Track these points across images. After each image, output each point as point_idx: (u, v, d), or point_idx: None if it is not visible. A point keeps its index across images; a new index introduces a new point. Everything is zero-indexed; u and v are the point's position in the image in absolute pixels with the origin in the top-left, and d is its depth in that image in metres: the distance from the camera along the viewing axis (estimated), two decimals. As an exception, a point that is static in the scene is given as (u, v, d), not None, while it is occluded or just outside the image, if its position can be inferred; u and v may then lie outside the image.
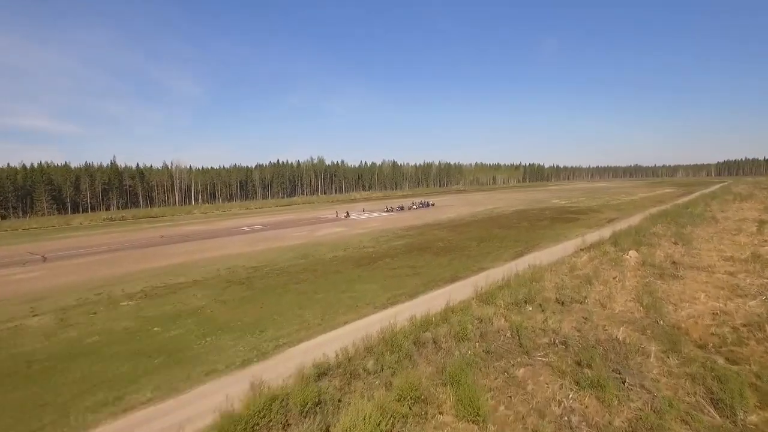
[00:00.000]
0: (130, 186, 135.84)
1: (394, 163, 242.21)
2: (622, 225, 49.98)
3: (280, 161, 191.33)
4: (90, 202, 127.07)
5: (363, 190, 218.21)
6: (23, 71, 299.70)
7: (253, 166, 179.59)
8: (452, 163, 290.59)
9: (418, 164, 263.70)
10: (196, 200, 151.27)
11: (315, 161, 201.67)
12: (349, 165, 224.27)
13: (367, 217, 74.31)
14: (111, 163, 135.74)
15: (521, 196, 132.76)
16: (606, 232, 44.68)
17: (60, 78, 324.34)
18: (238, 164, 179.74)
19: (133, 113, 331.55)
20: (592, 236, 42.73)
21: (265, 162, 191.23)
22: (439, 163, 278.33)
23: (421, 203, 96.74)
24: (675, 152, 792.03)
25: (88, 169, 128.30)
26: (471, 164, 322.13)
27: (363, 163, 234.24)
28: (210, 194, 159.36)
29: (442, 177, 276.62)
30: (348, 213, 79.20)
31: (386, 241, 45.78)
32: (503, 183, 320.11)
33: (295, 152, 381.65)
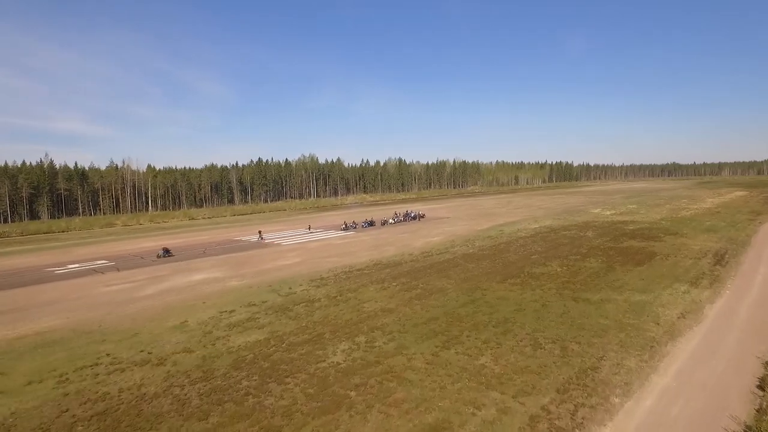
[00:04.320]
0: (66, 190, 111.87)
1: (401, 162, 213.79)
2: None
3: (262, 160, 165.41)
4: (11, 210, 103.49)
5: (365, 191, 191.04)
6: (60, 77, 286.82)
7: (229, 166, 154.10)
8: (469, 161, 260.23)
9: (430, 162, 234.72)
10: (154, 206, 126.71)
11: (307, 159, 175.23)
12: (347, 164, 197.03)
13: (289, 243, 47.29)
14: (40, 161, 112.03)
15: (548, 201, 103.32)
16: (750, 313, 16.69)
17: (93, 82, 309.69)
18: (213, 163, 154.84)
19: (162, 115, 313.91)
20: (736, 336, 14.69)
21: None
22: (454, 162, 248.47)
23: (406, 215, 68.94)
24: (718, 149, 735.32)
25: (6, 170, 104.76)
26: (491, 163, 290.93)
27: (364, 161, 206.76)
28: (172, 198, 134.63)
29: (458, 177, 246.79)
30: (260, 234, 52.05)
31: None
32: (527, 183, 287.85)
33: (318, 151, 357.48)
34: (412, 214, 69.25)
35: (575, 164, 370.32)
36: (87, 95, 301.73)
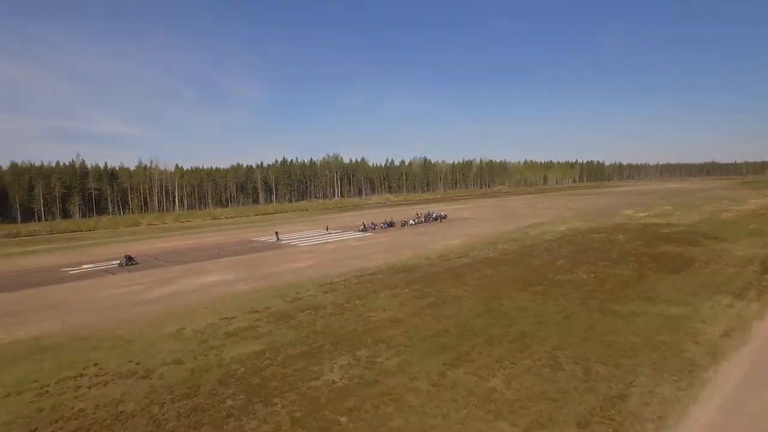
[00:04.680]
0: (96, 190, 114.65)
1: (426, 161, 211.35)
2: None
3: (287, 159, 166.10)
4: (46, 209, 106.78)
5: (389, 191, 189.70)
6: (102, 80, 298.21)
7: (254, 166, 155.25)
8: (496, 160, 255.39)
9: (455, 162, 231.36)
10: (181, 205, 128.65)
11: (331, 159, 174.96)
12: (371, 164, 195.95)
13: (305, 245, 46.31)
14: (72, 161, 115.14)
15: (577, 202, 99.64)
16: None
17: (126, 83, 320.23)
18: (240, 163, 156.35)
19: (191, 115, 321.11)
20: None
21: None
22: (481, 161, 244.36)
23: (427, 215, 67.14)
24: (762, 147, 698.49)
25: (41, 170, 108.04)
26: (519, 162, 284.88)
27: (389, 161, 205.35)
28: (198, 198, 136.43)
29: (484, 177, 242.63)
30: (277, 235, 51.18)
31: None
32: (556, 183, 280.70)
33: (342, 151, 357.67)
34: (434, 215, 67.41)
35: (607, 163, 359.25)
36: (120, 96, 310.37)
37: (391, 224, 60.00)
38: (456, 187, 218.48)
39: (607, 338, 17.02)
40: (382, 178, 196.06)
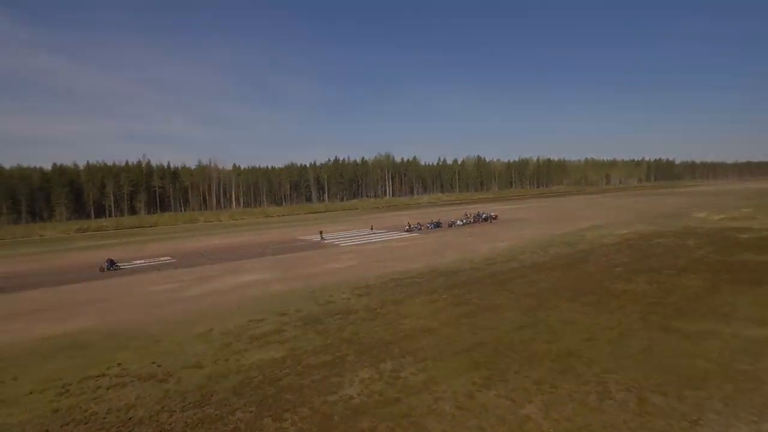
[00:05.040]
0: (160, 188, 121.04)
1: (479, 160, 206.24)
2: None
3: (339, 158, 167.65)
4: (116, 206, 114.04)
5: (441, 191, 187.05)
6: (168, 83, 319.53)
7: (308, 165, 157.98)
8: (554, 158, 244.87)
9: (511, 160, 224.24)
10: (237, 203, 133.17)
11: (383, 158, 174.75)
12: (423, 163, 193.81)
13: (347, 245, 45.67)
14: (138, 161, 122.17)
15: (643, 203, 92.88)
16: None
17: (193, 86, 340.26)
18: (294, 162, 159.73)
19: (254, 116, 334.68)
20: None
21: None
22: (538, 160, 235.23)
23: (476, 216, 64.74)
24: None
25: (112, 169, 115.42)
26: (579, 160, 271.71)
27: (441, 160, 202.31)
28: (253, 196, 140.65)
29: (541, 176, 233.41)
30: (321, 234, 50.80)
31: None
32: (620, 183, 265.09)
33: (395, 150, 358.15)
34: (483, 216, 64.88)
35: (677, 161, 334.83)
36: (183, 98, 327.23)
37: (437, 225, 58.28)
38: (511, 187, 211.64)
39: (669, 362, 14.71)
40: (435, 177, 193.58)
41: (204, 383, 14.74)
